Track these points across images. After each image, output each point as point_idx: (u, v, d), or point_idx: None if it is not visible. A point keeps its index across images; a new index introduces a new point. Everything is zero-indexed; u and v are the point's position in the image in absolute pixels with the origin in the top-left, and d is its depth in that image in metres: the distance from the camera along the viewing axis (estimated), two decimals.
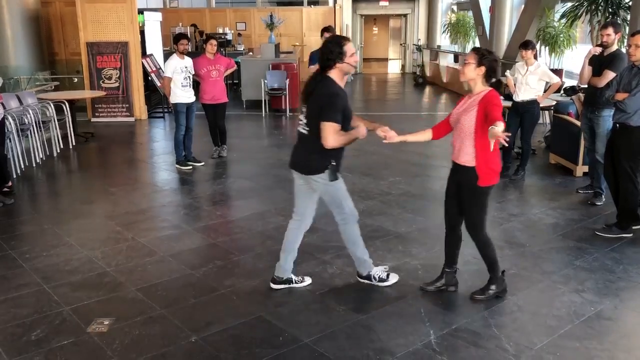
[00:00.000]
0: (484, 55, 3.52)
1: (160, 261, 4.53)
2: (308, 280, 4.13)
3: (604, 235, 4.95)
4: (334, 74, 3.60)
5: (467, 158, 3.57)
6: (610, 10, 8.15)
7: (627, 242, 4.84)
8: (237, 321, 3.61)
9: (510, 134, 3.35)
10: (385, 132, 3.67)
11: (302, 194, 3.92)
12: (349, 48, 3.57)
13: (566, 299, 3.88)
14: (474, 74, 3.54)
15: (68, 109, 8.65)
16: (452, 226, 3.91)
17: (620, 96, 4.80)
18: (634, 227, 4.99)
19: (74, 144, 8.70)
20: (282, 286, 4.04)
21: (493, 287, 3.88)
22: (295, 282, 4.07)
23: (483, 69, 3.52)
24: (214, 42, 7.47)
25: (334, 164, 3.66)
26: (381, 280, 4.05)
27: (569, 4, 9.06)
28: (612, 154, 5.04)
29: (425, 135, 3.85)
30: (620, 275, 4.25)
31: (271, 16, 13.04)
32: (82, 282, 4.16)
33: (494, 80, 3.58)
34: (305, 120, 3.69)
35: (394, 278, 4.08)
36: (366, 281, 4.07)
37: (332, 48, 3.56)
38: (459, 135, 3.62)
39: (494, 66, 3.54)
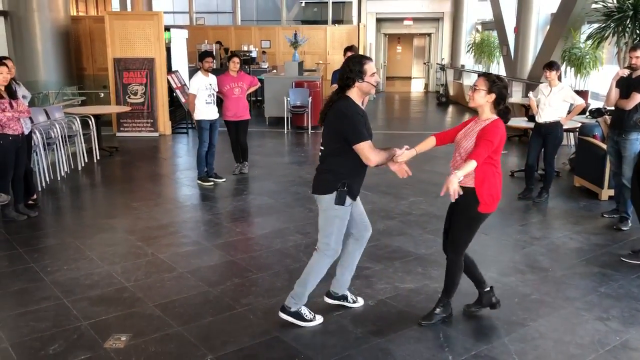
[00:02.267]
0: (494, 82, 3.48)
1: (178, 277, 4.54)
2: (361, 301, 4.09)
3: (630, 262, 4.82)
4: (352, 94, 3.54)
5: (467, 179, 3.49)
6: (638, 32, 8.04)
7: None
8: (254, 341, 3.59)
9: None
10: (398, 159, 3.58)
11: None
12: (369, 67, 3.51)
13: (590, 327, 3.78)
14: (483, 101, 3.51)
15: (94, 123, 8.79)
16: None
17: None
18: None
19: (98, 158, 8.83)
20: (337, 302, 4.02)
21: (439, 310, 3.81)
22: (351, 301, 4.04)
23: (493, 96, 3.48)
24: (236, 59, 7.55)
25: (346, 189, 3.54)
26: (300, 318, 3.81)
27: (596, 25, 8.97)
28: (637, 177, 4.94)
29: (429, 142, 3.80)
30: None
31: (295, 34, 13.15)
32: (101, 297, 4.19)
33: (502, 107, 3.53)
34: (322, 140, 3.67)
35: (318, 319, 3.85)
36: (288, 317, 3.81)
37: (352, 67, 3.51)
38: (460, 158, 3.57)
39: (503, 93, 3.50)
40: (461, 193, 3.31)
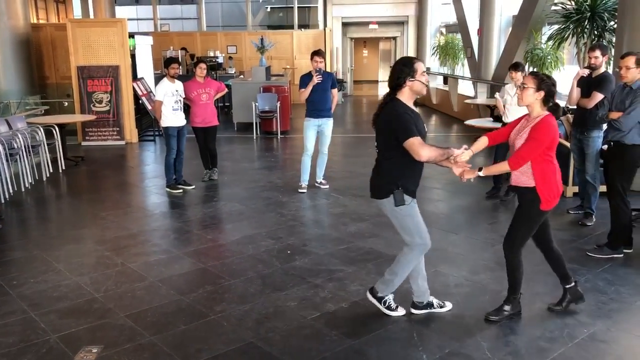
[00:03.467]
0: (543, 80, 3.57)
1: (149, 286, 4.48)
2: (449, 305, 4.06)
3: (595, 256, 4.94)
4: (403, 95, 3.59)
5: (526, 179, 3.60)
6: (595, 32, 8.26)
7: (619, 263, 4.84)
8: (228, 347, 3.56)
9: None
10: (458, 159, 3.58)
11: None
12: (419, 66, 3.57)
13: (559, 321, 3.86)
14: (532, 99, 3.58)
15: (58, 133, 8.62)
16: (544, 246, 3.97)
17: (614, 115, 4.87)
18: (625, 251, 4.98)
19: (63, 168, 8.66)
20: (424, 311, 3.97)
21: (507, 307, 3.88)
22: (438, 307, 4.00)
23: (542, 93, 3.55)
24: (203, 65, 7.51)
25: (400, 189, 3.58)
26: (388, 307, 3.94)
27: (556, 27, 9.19)
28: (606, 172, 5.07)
29: (482, 142, 3.84)
30: (612, 296, 4.24)
31: (262, 39, 13.13)
32: (70, 309, 4.10)
33: (551, 104, 3.60)
34: (376, 143, 3.72)
35: (401, 311, 3.96)
36: (374, 301, 3.96)
37: (402, 67, 3.57)
38: None
39: (552, 90, 3.58)
40: (472, 181, 3.39)
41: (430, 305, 3.99)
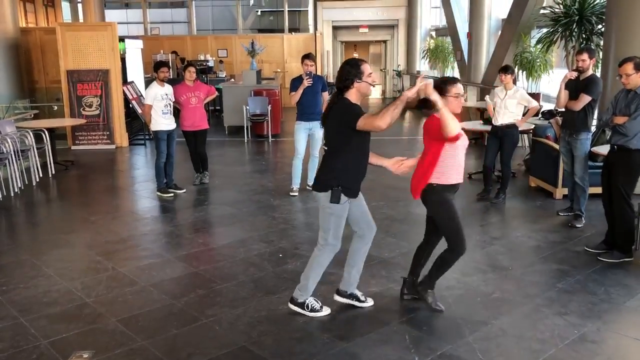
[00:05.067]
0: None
1: (141, 291, 4.46)
2: (370, 302, 4.16)
3: (607, 260, 4.93)
4: (351, 95, 3.68)
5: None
6: (584, 36, 8.34)
7: (608, 264, 4.88)
8: (220, 351, 3.56)
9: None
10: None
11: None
12: (365, 68, 3.67)
13: (550, 322, 3.89)
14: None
15: (47, 137, 8.57)
16: (428, 239, 4.13)
17: (620, 120, 4.85)
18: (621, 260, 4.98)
19: (53, 172, 8.61)
20: (346, 300, 4.11)
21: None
22: (358, 300, 4.11)
23: None
24: (192, 69, 7.51)
25: (339, 187, 3.68)
26: (312, 309, 4.00)
27: (544, 30, 9.27)
28: (609, 176, 5.06)
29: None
30: (602, 297, 4.27)
31: (252, 43, 13.13)
32: (60, 314, 4.07)
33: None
34: (324, 141, 3.81)
35: (325, 310, 4.02)
36: (296, 308, 4.02)
37: (349, 69, 3.65)
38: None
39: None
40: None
41: (353, 296, 4.11)
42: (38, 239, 5.91)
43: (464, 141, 3.78)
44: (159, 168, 7.29)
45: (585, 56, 5.61)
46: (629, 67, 4.76)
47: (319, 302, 4.02)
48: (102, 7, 16.80)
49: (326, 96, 7.28)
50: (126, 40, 11.94)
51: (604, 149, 5.56)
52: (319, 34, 18.43)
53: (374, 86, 3.78)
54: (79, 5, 18.33)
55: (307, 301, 3.99)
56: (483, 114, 9.43)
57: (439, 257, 4.01)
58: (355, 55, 26.74)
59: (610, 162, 5.05)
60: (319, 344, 3.65)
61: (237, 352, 3.56)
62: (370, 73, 3.69)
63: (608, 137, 5.41)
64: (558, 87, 5.90)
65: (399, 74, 18.96)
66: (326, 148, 3.82)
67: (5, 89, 11.05)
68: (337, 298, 4.13)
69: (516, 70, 10.17)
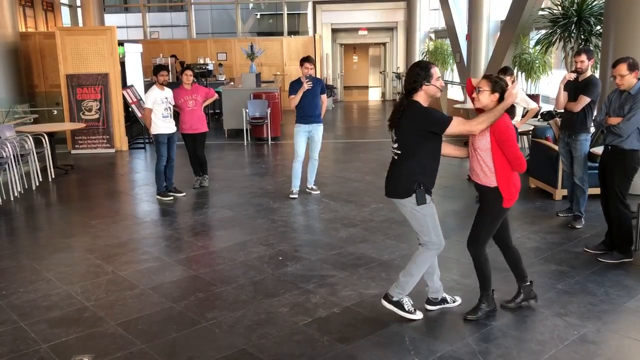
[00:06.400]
0: (496, 82, 3.70)
1: (140, 295, 4.46)
2: (459, 300, 4.18)
3: (607, 261, 4.93)
4: (419, 97, 3.70)
5: (488, 179, 3.75)
6: (582, 37, 8.35)
7: (608, 265, 4.88)
8: (220, 355, 3.56)
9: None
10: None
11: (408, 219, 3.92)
12: (435, 71, 3.70)
13: (550, 323, 3.88)
14: (488, 100, 3.70)
15: (47, 141, 8.58)
16: (503, 244, 4.09)
17: (614, 120, 4.85)
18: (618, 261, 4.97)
19: (53, 176, 8.61)
20: (438, 307, 4.09)
21: (484, 305, 3.95)
22: (451, 301, 4.12)
23: (497, 95, 3.68)
24: (189, 72, 7.54)
25: (422, 188, 3.68)
26: (401, 308, 3.96)
27: (543, 31, 9.27)
28: (605, 176, 5.06)
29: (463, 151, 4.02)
30: (602, 298, 4.27)
31: (252, 46, 13.15)
32: (60, 318, 4.08)
33: None
34: (396, 145, 3.78)
35: (419, 315, 3.99)
36: (391, 306, 3.97)
37: (418, 72, 3.68)
38: (476, 158, 3.78)
39: (506, 91, 3.71)
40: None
41: (444, 300, 4.10)
42: (38, 243, 5.92)
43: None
44: (159, 172, 7.29)
45: (583, 57, 5.62)
46: (623, 68, 4.76)
47: (414, 305, 3.97)
48: (101, 11, 16.83)
49: (325, 99, 7.30)
50: (125, 44, 11.95)
51: (601, 150, 5.57)
52: (318, 36, 18.45)
53: (441, 90, 3.79)
54: (79, 10, 18.35)
55: (402, 300, 3.93)
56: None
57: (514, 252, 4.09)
58: (355, 58, 26.79)
59: (605, 163, 5.06)
60: (318, 346, 3.65)
61: (236, 355, 3.56)
62: (439, 77, 3.72)
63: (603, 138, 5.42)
64: (557, 88, 5.91)
65: (398, 77, 18.96)
66: (399, 152, 3.76)
67: (5, 94, 11.07)
68: (429, 307, 4.09)
69: (515, 71, 10.19)
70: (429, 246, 3.85)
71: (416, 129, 3.65)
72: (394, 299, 3.94)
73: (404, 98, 3.76)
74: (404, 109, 3.71)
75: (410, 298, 3.99)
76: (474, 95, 3.76)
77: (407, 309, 3.93)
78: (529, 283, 4.14)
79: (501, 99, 3.67)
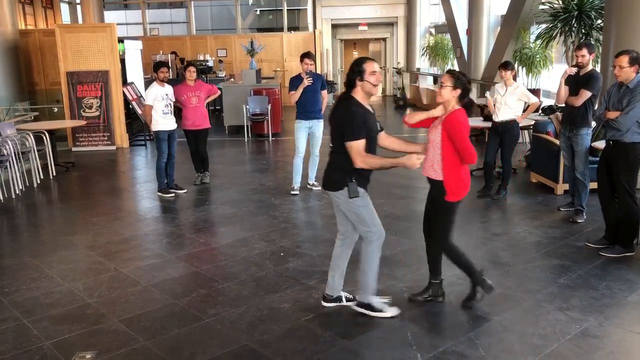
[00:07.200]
0: (459, 78, 3.75)
1: (143, 291, 4.47)
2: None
3: (608, 255, 4.92)
4: (357, 94, 3.70)
5: (437, 174, 3.78)
6: (583, 31, 8.33)
7: (610, 259, 4.88)
8: (222, 351, 3.56)
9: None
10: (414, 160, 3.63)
11: (337, 212, 3.95)
12: (368, 66, 3.66)
13: (551, 318, 3.89)
14: (449, 96, 3.75)
15: (48, 139, 8.58)
16: (429, 234, 4.09)
17: (612, 114, 4.84)
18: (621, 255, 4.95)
19: (54, 174, 8.61)
20: (333, 304, 4.06)
21: (479, 289, 4.00)
22: (346, 300, 4.07)
23: (458, 91, 3.74)
24: (192, 69, 7.53)
25: (354, 181, 3.67)
26: (370, 309, 3.95)
27: (544, 26, 9.25)
28: (606, 172, 5.05)
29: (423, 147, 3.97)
30: (603, 292, 4.27)
31: (251, 42, 13.12)
32: (63, 315, 4.08)
33: (466, 100, 3.81)
34: (330, 138, 3.82)
35: (391, 311, 3.96)
36: (331, 304, 4.04)
37: (353, 67, 3.69)
38: (429, 151, 3.82)
39: (467, 88, 3.80)
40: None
41: (339, 299, 4.07)
42: (40, 241, 5.92)
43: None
44: (160, 168, 7.29)
45: (584, 52, 5.60)
46: (624, 60, 4.76)
47: (383, 303, 3.96)
48: (101, 8, 16.80)
49: (325, 94, 7.29)
50: (125, 41, 11.93)
51: (603, 144, 5.56)
52: (318, 32, 18.41)
53: (376, 86, 3.73)
54: (78, 7, 18.32)
55: (371, 301, 3.92)
56: (483, 110, 9.43)
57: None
58: (355, 53, 26.73)
59: (607, 158, 5.05)
60: (321, 341, 3.65)
61: (239, 351, 3.56)
62: (374, 72, 3.67)
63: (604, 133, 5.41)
64: (558, 82, 5.89)
65: (398, 72, 18.94)
66: (332, 146, 3.80)
67: (5, 91, 11.06)
68: (325, 304, 4.07)
69: (516, 66, 10.17)
70: (369, 237, 3.84)
71: (340, 129, 3.67)
72: (364, 301, 3.95)
73: (342, 93, 3.80)
74: (339, 104, 3.74)
75: (379, 297, 3.98)
76: (437, 89, 3.83)
77: (377, 309, 3.92)
78: (439, 281, 4.12)
79: (462, 96, 3.73)
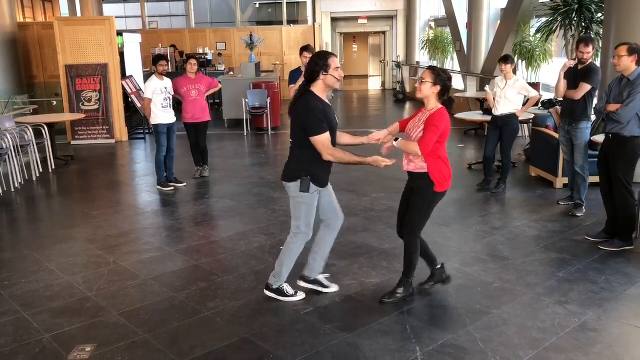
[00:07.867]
0: (439, 75, 3.75)
1: (142, 284, 4.47)
2: (335, 288, 4.25)
3: (608, 249, 4.92)
4: (316, 88, 3.74)
5: (418, 167, 3.82)
6: (583, 25, 8.30)
7: (609, 253, 4.88)
8: (222, 344, 3.57)
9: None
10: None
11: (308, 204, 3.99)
12: (333, 61, 3.72)
13: (550, 311, 3.89)
14: (429, 92, 3.75)
15: (47, 132, 8.56)
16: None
17: (613, 107, 4.83)
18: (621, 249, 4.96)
19: (53, 167, 8.61)
20: (309, 286, 4.19)
21: (400, 290, 4.04)
22: (321, 287, 4.20)
23: (438, 87, 3.74)
24: (193, 61, 7.51)
25: (309, 177, 3.75)
26: (286, 295, 4.10)
27: (544, 19, 9.22)
28: (606, 164, 5.06)
29: (395, 126, 4.10)
30: (602, 285, 4.28)
31: (251, 36, 13.09)
32: (62, 308, 4.09)
33: (446, 97, 3.79)
34: (290, 132, 3.89)
35: (300, 295, 4.12)
36: (271, 294, 4.13)
37: (317, 61, 3.72)
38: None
39: (448, 85, 3.78)
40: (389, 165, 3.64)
41: (317, 282, 4.19)
42: (39, 234, 5.92)
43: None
44: (159, 162, 7.29)
45: (590, 48, 5.58)
46: (623, 49, 4.76)
47: (294, 289, 4.13)
48: (99, 1, 16.73)
49: None
50: (124, 34, 11.91)
51: (602, 138, 5.56)
52: (317, 25, 18.36)
53: (339, 80, 3.82)
54: (77, 0, 18.26)
55: (282, 287, 4.09)
56: (483, 104, 9.42)
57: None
58: (355, 47, 26.68)
59: (606, 151, 5.05)
60: (320, 335, 3.66)
61: (239, 344, 3.57)
62: (338, 67, 3.74)
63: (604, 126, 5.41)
64: (557, 76, 5.88)
65: (398, 65, 18.90)
66: (291, 140, 3.87)
67: (3, 85, 11.03)
68: (301, 283, 4.20)
69: (516, 59, 10.15)
70: (295, 232, 3.97)
71: (300, 123, 3.72)
72: (274, 286, 4.10)
73: (301, 88, 3.81)
74: (300, 98, 3.77)
75: (289, 284, 4.12)
76: (417, 85, 3.83)
77: (288, 294, 4.08)
78: (439, 266, 4.20)
79: (442, 93, 3.74)
